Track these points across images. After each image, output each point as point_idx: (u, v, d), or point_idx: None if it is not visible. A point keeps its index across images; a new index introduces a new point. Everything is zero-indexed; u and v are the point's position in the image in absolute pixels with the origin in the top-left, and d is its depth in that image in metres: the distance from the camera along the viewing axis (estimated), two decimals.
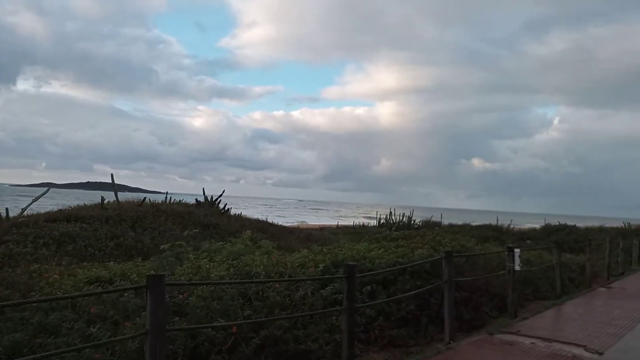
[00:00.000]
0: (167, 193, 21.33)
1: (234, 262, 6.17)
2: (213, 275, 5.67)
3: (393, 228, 31.59)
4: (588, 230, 29.32)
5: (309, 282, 5.86)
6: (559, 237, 24.77)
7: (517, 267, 8.38)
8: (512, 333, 7.08)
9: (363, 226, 38.59)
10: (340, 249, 8.42)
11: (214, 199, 20.25)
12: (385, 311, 7.08)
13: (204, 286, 5.31)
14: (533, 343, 6.61)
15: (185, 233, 10.02)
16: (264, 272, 5.76)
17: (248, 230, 9.13)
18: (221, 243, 8.35)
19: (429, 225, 34.18)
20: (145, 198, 17.04)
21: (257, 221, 22.02)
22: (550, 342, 6.68)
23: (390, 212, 37.43)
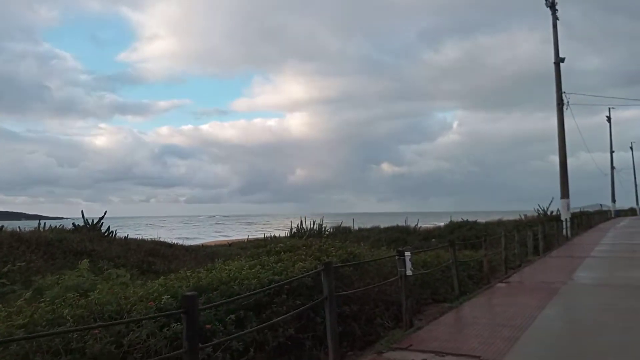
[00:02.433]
0: (40, 219, 18.81)
1: (41, 304, 4.73)
2: (5, 324, 4.21)
3: (304, 237, 31.03)
4: (488, 224, 30.36)
5: (144, 321, 4.59)
6: (461, 234, 25.29)
7: (408, 272, 7.65)
8: (402, 349, 6.26)
9: (274, 237, 37.54)
10: (210, 270, 7.19)
11: (94, 222, 18.06)
12: (258, 340, 6.00)
13: None
14: (424, 359, 5.83)
15: (6, 268, 8.24)
16: (70, 317, 4.38)
17: (85, 260, 7.61)
18: (56, 276, 6.79)
19: (339, 231, 33.87)
20: (2, 226, 14.64)
21: (150, 242, 20.07)
22: (443, 355, 5.93)
23: (301, 221, 37.09)
